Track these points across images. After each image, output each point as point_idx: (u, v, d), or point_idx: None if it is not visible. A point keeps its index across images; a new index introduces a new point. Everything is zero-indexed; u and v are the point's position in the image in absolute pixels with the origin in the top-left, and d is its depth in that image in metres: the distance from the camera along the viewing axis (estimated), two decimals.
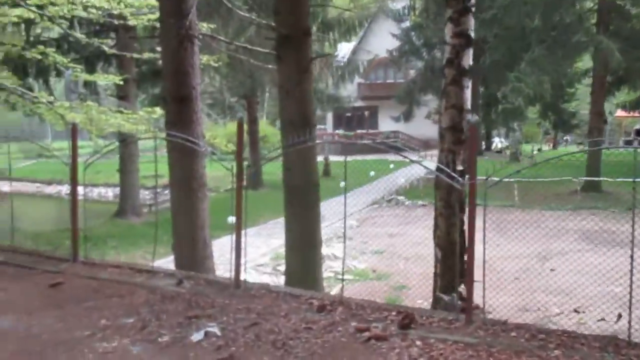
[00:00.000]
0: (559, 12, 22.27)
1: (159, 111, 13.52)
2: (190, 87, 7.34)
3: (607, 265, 9.35)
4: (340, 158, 30.74)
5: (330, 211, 21.31)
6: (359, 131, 50.08)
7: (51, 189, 40.68)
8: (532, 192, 21.32)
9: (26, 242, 16.83)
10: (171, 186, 7.71)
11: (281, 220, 19.67)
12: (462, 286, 7.60)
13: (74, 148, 7.55)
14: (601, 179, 23.72)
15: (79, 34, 12.76)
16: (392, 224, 18.56)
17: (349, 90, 37.60)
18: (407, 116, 34.96)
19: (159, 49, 13.11)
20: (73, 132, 7.53)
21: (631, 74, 24.23)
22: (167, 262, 14.02)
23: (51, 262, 7.55)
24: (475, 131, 5.06)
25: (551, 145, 58.45)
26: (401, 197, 22.66)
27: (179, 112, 7.36)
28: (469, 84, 7.35)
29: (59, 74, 22.36)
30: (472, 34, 7.30)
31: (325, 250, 14.35)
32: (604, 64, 22.77)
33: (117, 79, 13.91)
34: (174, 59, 7.26)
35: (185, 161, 7.35)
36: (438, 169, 7.32)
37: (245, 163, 5.88)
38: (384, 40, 38.96)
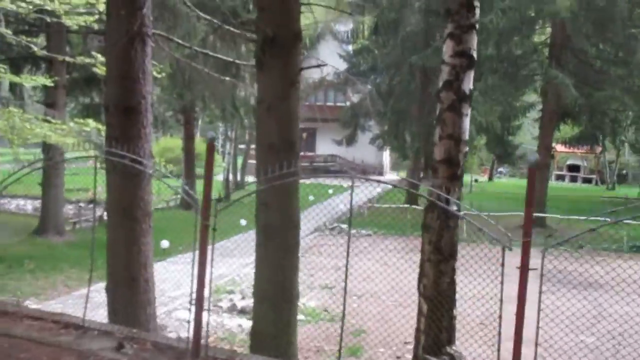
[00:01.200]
0: (513, 42, 21.90)
1: (91, 123, 12.04)
2: (139, 96, 6.05)
3: (573, 311, 8.57)
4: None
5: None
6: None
7: None
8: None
9: None
10: (109, 214, 6.37)
11: (218, 247, 18.31)
12: (453, 347, 6.58)
13: None
14: (546, 215, 23.41)
15: (4, 29, 11.15)
16: (338, 254, 17.46)
17: None
18: (350, 140, 34.11)
19: (94, 53, 11.68)
20: None
21: (580, 109, 24.10)
22: (92, 291, 12.49)
23: None
24: (534, 175, 4.00)
25: (486, 176, 58.96)
26: (344, 226, 21.59)
27: (124, 125, 6.06)
28: (468, 111, 6.34)
29: None
30: (475, 54, 6.31)
31: None
32: (555, 98, 22.49)
33: (48, 81, 12.37)
34: (121, 61, 5.97)
35: (128, 185, 6.04)
36: (430, 208, 6.24)
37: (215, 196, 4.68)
38: (326, 61, 38.11)
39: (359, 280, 14.41)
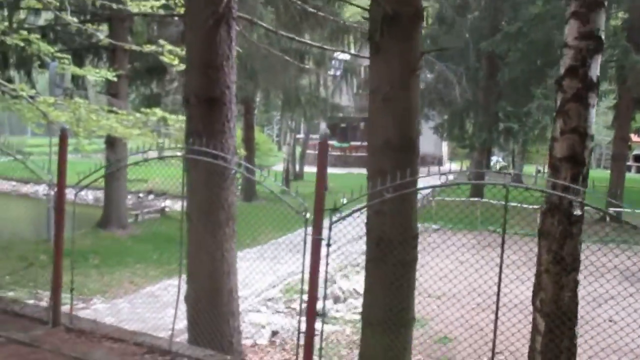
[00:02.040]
0: None
1: (158, 113, 11.55)
2: (223, 85, 5.43)
3: None
4: (335, 170, 28.76)
5: (339, 232, 19.32)
6: (353, 143, 48.34)
7: (28, 188, 38.43)
8: None
9: None
10: (189, 217, 5.76)
11: (284, 240, 17.78)
12: None
13: (62, 162, 5.61)
14: (623, 209, 22.07)
15: (70, 18, 10.70)
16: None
17: (344, 100, 35.84)
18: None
19: (161, 41, 11.16)
20: (62, 140, 5.58)
21: None
22: (159, 289, 12.11)
23: (22, 322, 5.58)
24: None
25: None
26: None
27: (206, 118, 5.44)
28: (595, 101, 5.48)
29: (42, 65, 20.30)
30: (603, 35, 5.44)
31: (343, 283, 12.46)
32: (635, 85, 21.11)
33: (111, 74, 11.93)
34: (204, 47, 5.35)
35: (211, 185, 5.41)
36: (550, 212, 5.41)
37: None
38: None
39: (435, 280, 13.62)
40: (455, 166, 52.10)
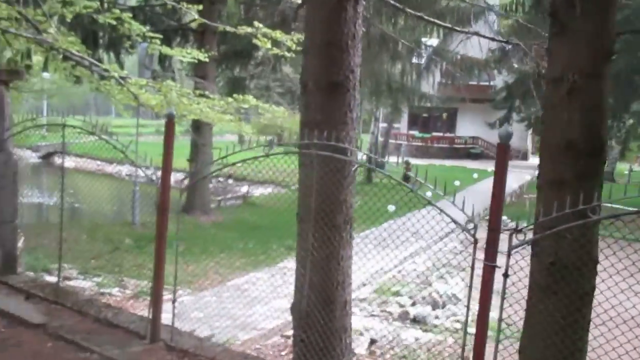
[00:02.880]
0: None
1: (251, 100, 10.99)
2: (346, 69, 4.72)
3: None
4: (415, 161, 27.60)
5: (422, 228, 18.49)
6: (435, 134, 47.10)
7: (112, 169, 39.07)
8: None
9: (82, 236, 14.61)
10: (300, 217, 5.09)
11: (369, 235, 17.05)
12: None
13: (168, 150, 5.07)
14: None
15: None
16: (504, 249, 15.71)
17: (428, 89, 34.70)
18: (504, 122, 31.73)
19: (256, 23, 10.54)
20: (168, 126, 5.01)
21: None
22: (247, 282, 11.57)
23: (116, 334, 5.05)
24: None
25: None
26: (504, 217, 19.64)
27: (326, 106, 4.75)
28: None
29: (131, 47, 20.18)
30: None
31: (440, 286, 11.64)
32: None
33: (203, 55, 11.44)
34: (328, 25, 4.65)
35: (329, 183, 4.72)
36: None
37: None
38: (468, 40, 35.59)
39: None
40: (538, 160, 49.92)
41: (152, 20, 19.45)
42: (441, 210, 4.01)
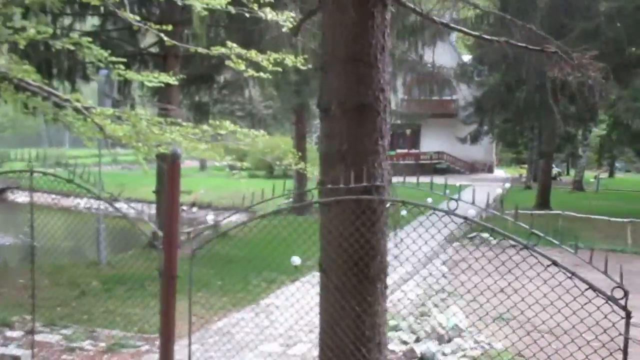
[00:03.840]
0: None
1: (229, 126, 10.10)
2: (376, 88, 3.93)
3: None
4: None
5: (405, 249, 17.74)
6: (399, 151, 46.74)
7: (69, 202, 37.54)
8: None
9: (43, 281, 13.44)
10: (324, 268, 4.23)
11: None
12: None
13: (173, 198, 4.19)
14: None
15: (130, 15, 9.27)
16: (491, 271, 15.01)
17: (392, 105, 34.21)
18: (476, 137, 31.39)
19: (229, 43, 9.68)
20: (172, 171, 4.12)
21: None
22: (230, 325, 10.54)
23: None
24: None
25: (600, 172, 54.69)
26: (484, 234, 19.05)
27: (353, 134, 3.93)
28: None
29: (85, 75, 19.14)
30: None
31: (441, 317, 10.85)
32: None
33: (172, 79, 10.54)
34: (353, 36, 3.85)
35: (359, 227, 3.89)
36: None
37: None
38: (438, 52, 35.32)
39: (539, 308, 11.93)
40: (502, 173, 50.15)
41: (108, 45, 18.43)
42: (590, 286, 3.10)
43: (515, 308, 11.67)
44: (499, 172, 50.07)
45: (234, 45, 9.67)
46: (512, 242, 14.75)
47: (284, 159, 13.95)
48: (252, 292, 12.58)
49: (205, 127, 10.41)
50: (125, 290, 12.62)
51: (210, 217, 34.50)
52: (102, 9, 18.30)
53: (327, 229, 4.10)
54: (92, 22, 19.98)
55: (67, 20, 17.61)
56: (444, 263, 15.76)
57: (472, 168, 47.08)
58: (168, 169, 4.00)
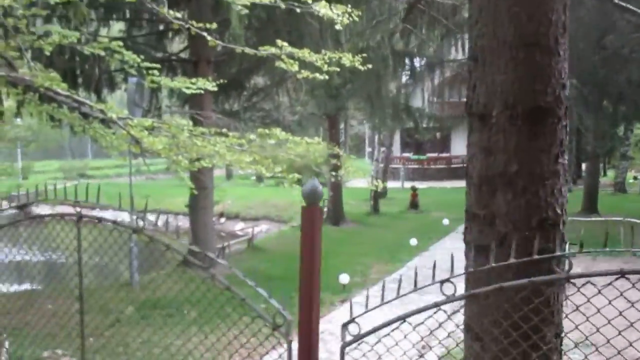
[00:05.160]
0: None
1: (280, 134, 9.04)
2: (556, 84, 2.78)
3: None
4: (414, 184, 25.14)
5: (455, 262, 16.51)
6: (430, 155, 45.42)
7: (95, 214, 36.76)
8: None
9: (72, 307, 12.41)
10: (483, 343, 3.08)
11: (399, 276, 15.03)
12: None
13: (312, 249, 3.07)
14: None
15: (171, 12, 8.18)
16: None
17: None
18: None
19: (279, 42, 8.59)
20: (310, 213, 2.99)
21: None
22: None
23: None
24: None
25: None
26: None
27: (525, 148, 2.79)
28: None
29: (112, 84, 18.19)
30: None
31: None
32: None
33: (210, 85, 9.54)
34: (524, 13, 2.71)
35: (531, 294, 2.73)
36: None
37: None
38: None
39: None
40: None
41: (134, 52, 17.50)
42: None
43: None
44: None
45: (285, 44, 8.61)
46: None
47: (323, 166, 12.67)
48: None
49: (252, 136, 9.36)
50: (162, 317, 11.55)
51: (237, 227, 33.58)
52: (127, 13, 17.42)
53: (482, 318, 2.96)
54: (117, 27, 19.07)
55: (91, 27, 16.62)
56: None
57: None
58: (305, 213, 2.85)
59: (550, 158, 2.82)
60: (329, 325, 10.71)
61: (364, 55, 9.12)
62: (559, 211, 2.85)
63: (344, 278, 12.97)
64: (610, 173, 42.82)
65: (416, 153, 45.96)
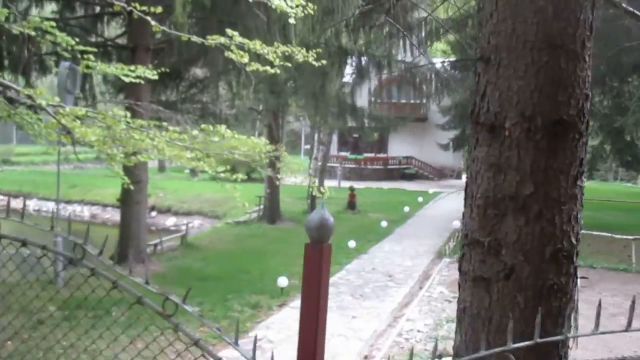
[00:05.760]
0: None
1: (225, 131, 8.49)
2: (580, 95, 2.38)
3: None
4: (350, 184, 24.91)
5: (392, 266, 16.39)
6: (366, 155, 45.39)
7: (16, 204, 35.09)
8: None
9: None
10: None
11: (341, 279, 14.58)
12: None
13: (318, 304, 3.28)
14: None
15: None
16: None
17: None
18: (460, 144, 29.96)
19: (229, 31, 8.05)
20: (315, 255, 2.44)
21: None
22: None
23: None
24: None
25: None
26: None
27: (542, 167, 2.37)
28: None
29: (43, 67, 17.16)
30: None
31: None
32: None
33: (151, 73, 8.95)
34: (549, 7, 2.30)
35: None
36: None
37: None
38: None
39: None
40: None
41: (67, 35, 16.54)
42: None
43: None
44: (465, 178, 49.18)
45: (235, 33, 8.07)
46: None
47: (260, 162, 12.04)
48: (236, 320, 10.84)
49: (195, 132, 8.77)
50: (88, 318, 10.76)
51: (171, 222, 32.58)
52: None
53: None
54: (49, 9, 18.00)
55: (21, 5, 15.58)
56: (442, 283, 14.32)
57: (441, 174, 46.07)
58: (310, 254, 2.34)
59: (569, 179, 2.42)
60: (267, 331, 10.22)
61: (319, 50, 8.63)
62: (573, 241, 2.47)
63: (283, 281, 12.48)
64: None
65: (353, 152, 45.86)
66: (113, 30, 19.63)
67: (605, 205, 26.90)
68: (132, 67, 9.14)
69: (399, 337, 10.31)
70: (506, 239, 2.41)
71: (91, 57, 8.50)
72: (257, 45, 8.11)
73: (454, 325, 8.95)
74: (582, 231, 2.58)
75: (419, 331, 10.51)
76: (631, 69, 19.64)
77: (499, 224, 2.42)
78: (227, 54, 8.28)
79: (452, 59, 25.75)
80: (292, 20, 8.09)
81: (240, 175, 8.99)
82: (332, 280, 14.27)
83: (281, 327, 10.48)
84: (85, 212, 34.97)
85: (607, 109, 23.05)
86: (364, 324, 10.76)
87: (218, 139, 8.46)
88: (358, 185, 33.75)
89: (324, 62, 8.92)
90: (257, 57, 8.49)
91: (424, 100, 39.57)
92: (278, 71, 8.34)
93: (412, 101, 42.18)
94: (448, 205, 30.89)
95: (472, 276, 2.54)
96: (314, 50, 8.57)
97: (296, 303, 11.95)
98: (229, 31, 8.02)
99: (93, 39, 17.29)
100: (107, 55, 17.60)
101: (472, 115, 2.51)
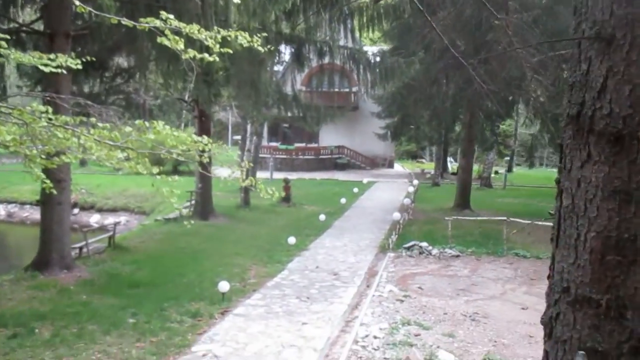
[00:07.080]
0: None
1: (162, 128, 7.52)
2: None
3: None
4: (283, 175, 24.28)
5: (336, 263, 15.61)
6: (297, 145, 44.60)
7: None
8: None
9: None
10: None
11: (285, 279, 13.71)
12: None
13: None
14: None
15: None
16: (445, 289, 13.16)
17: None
18: (398, 133, 29.43)
19: (164, 14, 7.08)
20: None
21: None
22: None
23: None
24: None
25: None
26: (424, 244, 17.18)
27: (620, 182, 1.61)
28: None
29: None
30: None
31: (419, 352, 8.74)
32: None
33: (74, 62, 7.91)
34: None
35: None
36: None
37: None
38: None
39: (523, 338, 10.13)
40: (400, 168, 49.25)
41: None
42: None
43: (500, 344, 9.70)
44: (397, 167, 49.19)
45: (171, 16, 7.10)
46: (452, 252, 12.65)
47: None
48: (176, 332, 9.90)
49: (128, 128, 7.74)
50: (8, 338, 9.59)
51: (94, 219, 30.98)
52: None
53: None
54: None
55: None
56: (391, 281, 13.69)
57: (373, 163, 45.80)
58: None
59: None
60: (212, 344, 9.28)
61: (264, 34, 7.74)
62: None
63: (223, 286, 11.57)
64: (475, 167, 44.04)
65: (284, 143, 44.99)
66: (28, 15, 18.10)
67: None
68: (52, 56, 8.05)
69: (355, 344, 9.57)
70: (635, 298, 1.65)
71: (3, 44, 7.40)
72: (194, 29, 7.17)
73: (410, 329, 8.25)
74: None
75: (375, 337, 9.82)
76: None
77: (624, 276, 1.65)
78: (160, 39, 7.28)
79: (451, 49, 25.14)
80: (236, 0, 7.19)
81: (176, 177, 8.07)
82: (275, 281, 13.46)
83: (226, 338, 9.58)
84: (1, 210, 32.88)
85: None
86: (315, 331, 9.99)
87: (154, 136, 7.45)
88: (290, 176, 33.00)
89: (270, 47, 8.06)
90: (191, 43, 7.55)
91: (354, 89, 39.17)
92: (217, 59, 7.42)
93: (341, 90, 41.54)
94: (383, 195, 30.55)
95: (578, 346, 1.77)
96: (259, 35, 7.68)
97: (240, 310, 11.07)
98: (163, 14, 7.05)
99: (4, 25, 15.81)
100: (20, 44, 16.13)
101: (575, 118, 1.72)
